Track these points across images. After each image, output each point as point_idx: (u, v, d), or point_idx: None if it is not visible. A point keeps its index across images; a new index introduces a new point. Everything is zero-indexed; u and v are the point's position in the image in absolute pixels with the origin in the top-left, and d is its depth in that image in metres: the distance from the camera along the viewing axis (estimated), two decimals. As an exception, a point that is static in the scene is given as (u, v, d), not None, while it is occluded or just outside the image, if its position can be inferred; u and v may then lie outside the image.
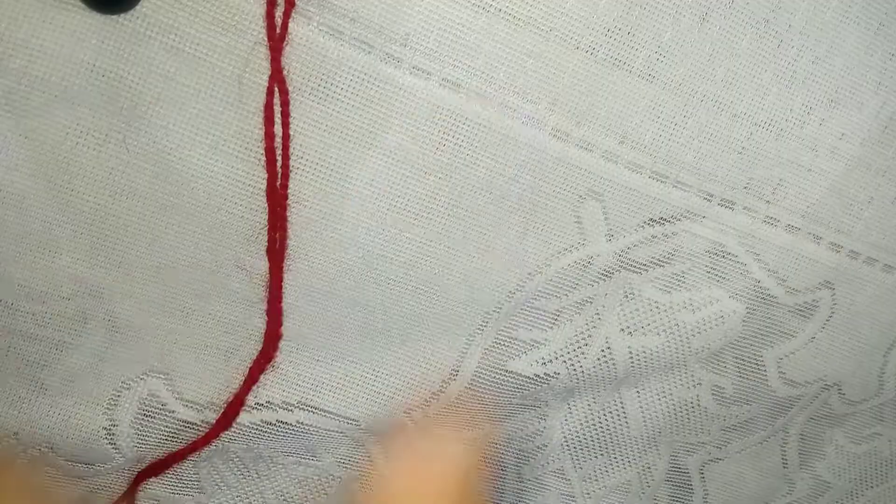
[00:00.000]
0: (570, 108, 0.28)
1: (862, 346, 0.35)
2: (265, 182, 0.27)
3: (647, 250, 0.31)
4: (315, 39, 0.25)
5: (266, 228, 0.27)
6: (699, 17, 0.27)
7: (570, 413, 0.34)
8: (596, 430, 0.34)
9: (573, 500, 0.36)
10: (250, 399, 0.30)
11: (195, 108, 0.25)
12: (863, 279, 0.33)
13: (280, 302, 0.26)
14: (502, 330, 0.31)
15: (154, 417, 0.30)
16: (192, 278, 0.28)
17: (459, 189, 0.28)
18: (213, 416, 0.30)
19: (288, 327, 0.29)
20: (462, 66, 0.26)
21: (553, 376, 0.32)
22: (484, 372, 0.32)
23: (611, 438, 0.34)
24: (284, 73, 0.25)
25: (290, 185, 0.27)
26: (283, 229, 0.24)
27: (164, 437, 0.30)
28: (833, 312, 0.33)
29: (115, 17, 0.24)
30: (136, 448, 0.30)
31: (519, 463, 0.35)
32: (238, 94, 0.25)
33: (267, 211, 0.26)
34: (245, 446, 0.31)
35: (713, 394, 0.34)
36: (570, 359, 0.32)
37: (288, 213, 0.27)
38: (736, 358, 0.34)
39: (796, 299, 0.32)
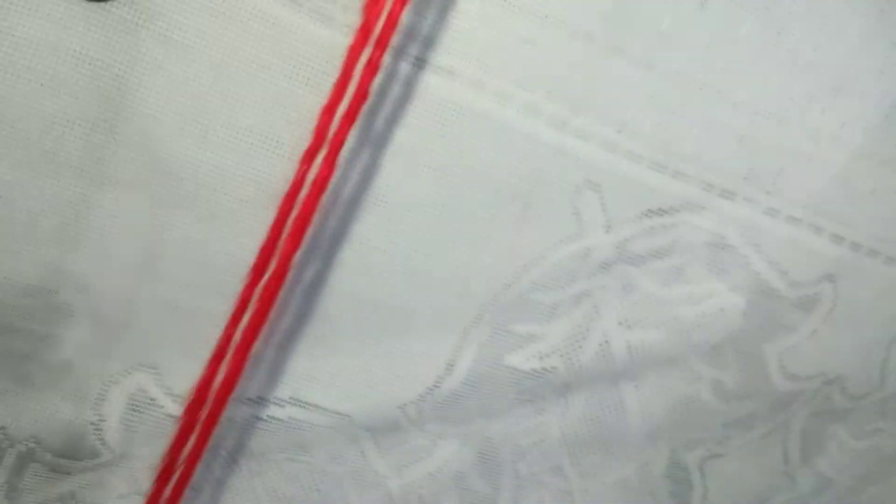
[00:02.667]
0: (566, 97, 0.27)
1: (864, 340, 0.34)
2: (253, 172, 0.26)
3: (645, 242, 0.30)
4: (309, 28, 0.25)
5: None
6: (698, 3, 0.27)
7: (568, 408, 0.34)
8: (594, 425, 0.34)
9: (571, 497, 0.36)
10: (241, 394, 0.30)
11: (183, 96, 0.25)
12: (865, 272, 0.32)
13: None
14: (498, 323, 0.31)
15: (142, 412, 0.29)
16: (180, 271, 0.27)
17: (454, 179, 0.28)
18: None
19: (278, 320, 0.29)
20: (457, 53, 0.26)
21: (550, 371, 0.32)
22: (480, 366, 0.31)
23: (609, 434, 0.34)
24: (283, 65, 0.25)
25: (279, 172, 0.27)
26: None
27: (152, 433, 0.30)
28: (834, 306, 0.33)
29: (102, 3, 0.24)
30: (123, 443, 0.30)
31: (515, 459, 0.34)
32: (226, 82, 0.25)
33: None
34: (236, 443, 0.31)
35: (713, 389, 0.34)
36: (567, 353, 0.32)
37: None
38: (736, 352, 0.33)
39: (797, 292, 0.32)
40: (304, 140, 0.26)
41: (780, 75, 0.28)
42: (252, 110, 0.26)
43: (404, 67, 0.26)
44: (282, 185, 0.26)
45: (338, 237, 0.28)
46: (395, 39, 0.25)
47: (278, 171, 0.26)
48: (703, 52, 0.27)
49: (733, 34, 0.27)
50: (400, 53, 0.26)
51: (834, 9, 0.28)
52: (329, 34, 0.25)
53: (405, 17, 0.25)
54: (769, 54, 0.28)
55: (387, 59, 0.25)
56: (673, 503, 0.37)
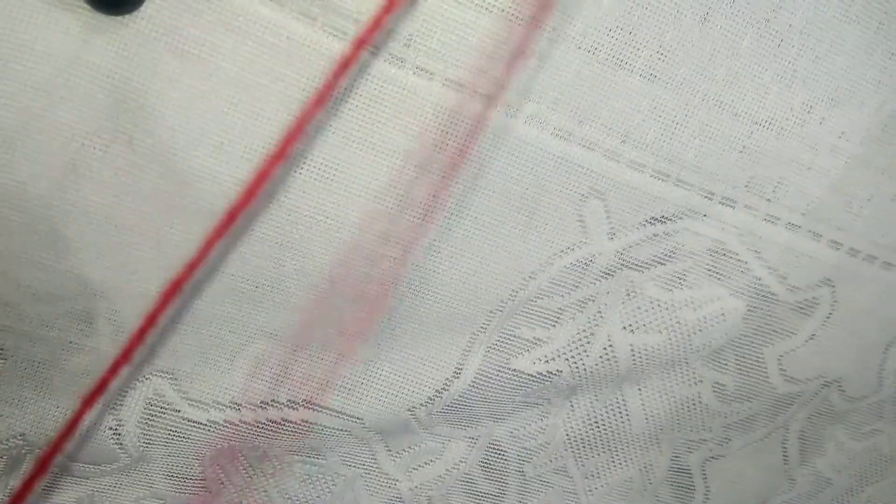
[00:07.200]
0: (572, 108, 0.28)
1: (861, 343, 0.35)
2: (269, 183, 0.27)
3: (648, 249, 0.31)
4: (323, 42, 0.25)
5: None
6: (700, 16, 0.27)
7: (573, 411, 0.34)
8: (598, 427, 0.34)
9: (576, 498, 0.36)
10: (255, 398, 0.30)
11: (200, 109, 0.25)
12: (862, 277, 0.33)
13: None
14: (505, 328, 0.31)
15: (160, 417, 0.30)
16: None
17: (462, 188, 0.28)
18: (218, 416, 0.30)
19: (291, 325, 0.29)
20: (465, 66, 0.26)
21: (556, 374, 0.32)
22: (487, 370, 0.32)
23: (613, 436, 0.35)
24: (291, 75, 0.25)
25: (294, 184, 0.27)
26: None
27: (169, 437, 0.30)
28: (833, 310, 0.33)
29: (119, 18, 0.24)
30: (142, 448, 0.30)
31: (521, 461, 0.35)
32: (242, 95, 0.26)
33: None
34: (250, 445, 0.31)
35: (714, 391, 0.34)
36: (572, 356, 0.32)
37: (292, 214, 0.27)
38: (737, 355, 0.34)
39: (797, 297, 0.33)
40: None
41: (780, 86, 0.29)
42: (267, 122, 0.26)
43: (413, 80, 0.26)
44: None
45: (349, 245, 0.28)
46: (404, 52, 0.26)
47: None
48: (704, 63, 0.28)
49: (734, 46, 0.28)
50: (409, 66, 0.26)
51: (833, 21, 0.28)
52: (342, 47, 0.25)
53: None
54: (769, 65, 0.28)
55: (396, 71, 0.26)
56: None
